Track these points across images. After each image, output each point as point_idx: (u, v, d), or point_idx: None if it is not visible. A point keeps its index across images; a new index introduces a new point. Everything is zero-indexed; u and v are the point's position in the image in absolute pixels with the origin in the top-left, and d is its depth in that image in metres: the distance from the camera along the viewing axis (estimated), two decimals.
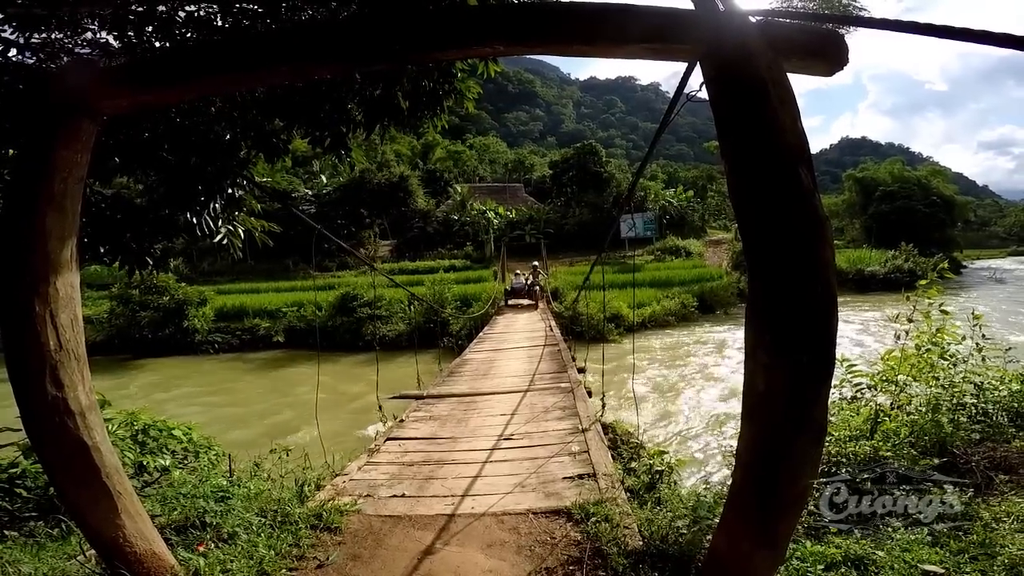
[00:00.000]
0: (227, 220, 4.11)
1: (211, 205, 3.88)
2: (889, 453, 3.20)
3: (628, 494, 3.31)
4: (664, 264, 28.09)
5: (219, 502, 3.16)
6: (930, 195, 35.40)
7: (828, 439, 3.39)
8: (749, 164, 1.64)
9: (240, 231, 4.24)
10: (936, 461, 3.19)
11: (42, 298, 1.91)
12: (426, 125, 4.07)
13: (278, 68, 2.11)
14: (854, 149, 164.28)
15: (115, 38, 3.30)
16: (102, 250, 3.79)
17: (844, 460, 3.19)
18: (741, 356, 1.76)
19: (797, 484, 1.69)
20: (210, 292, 22.24)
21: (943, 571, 2.18)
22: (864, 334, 15.44)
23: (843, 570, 2.24)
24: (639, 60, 1.90)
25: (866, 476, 3.05)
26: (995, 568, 2.19)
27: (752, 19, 1.62)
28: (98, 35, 3.34)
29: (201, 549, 2.66)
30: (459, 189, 38.85)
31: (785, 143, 1.58)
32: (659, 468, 3.57)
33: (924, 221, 33.59)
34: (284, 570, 2.60)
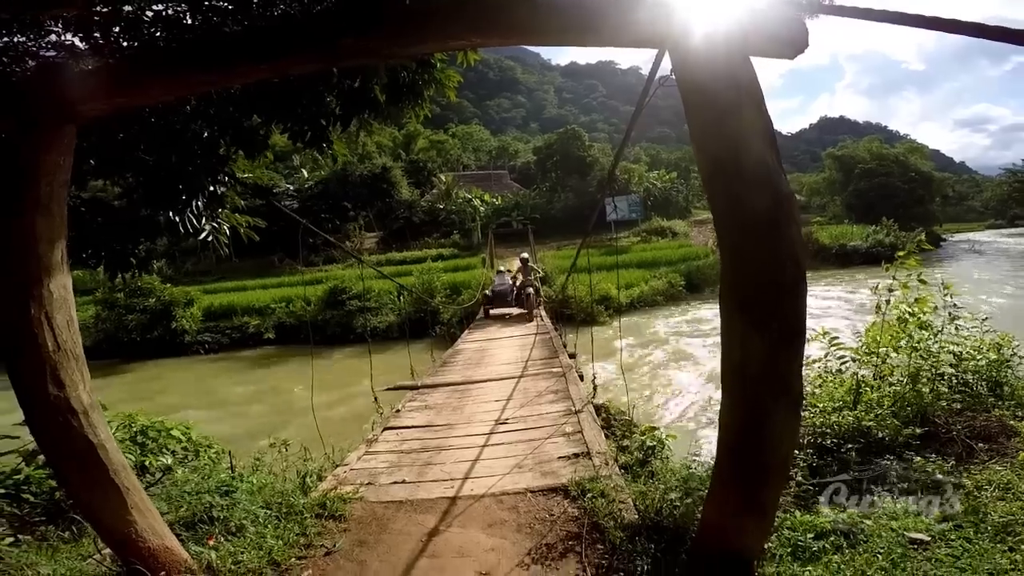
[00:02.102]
0: (211, 217, 4.09)
1: (193, 203, 3.86)
2: (872, 423, 3.31)
3: (623, 470, 3.42)
4: (650, 245, 28.29)
5: (224, 496, 3.20)
6: (908, 171, 36.15)
7: (813, 411, 3.51)
8: (714, 146, 1.73)
9: (225, 228, 4.22)
10: (918, 431, 3.30)
11: (37, 300, 1.94)
12: (408, 116, 4.07)
13: (256, 66, 2.14)
14: (833, 128, 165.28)
15: (80, 39, 3.24)
16: (84, 255, 3.76)
17: (829, 431, 3.31)
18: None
19: (777, 451, 1.78)
20: (196, 292, 21.94)
21: (928, 539, 2.28)
22: (845, 305, 15.76)
23: (832, 538, 2.32)
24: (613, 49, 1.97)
25: (850, 446, 3.17)
26: (981, 533, 2.26)
27: (716, 6, 1.67)
28: (63, 37, 3.28)
29: (211, 543, 2.71)
30: (443, 178, 38.58)
31: (749, 125, 1.66)
32: (651, 444, 3.68)
33: (904, 197, 34.34)
34: (293, 559, 2.67)
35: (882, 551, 2.20)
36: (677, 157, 46.29)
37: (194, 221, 3.89)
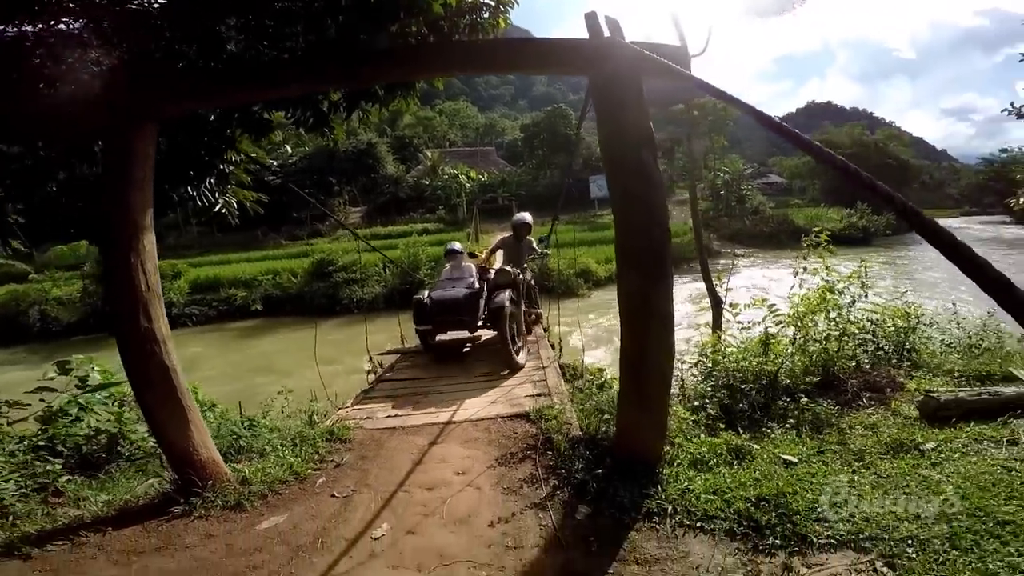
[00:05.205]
0: (222, 192, 4.62)
1: (207, 180, 4.38)
2: (773, 368, 4.06)
3: (574, 404, 4.18)
4: None
5: (248, 429, 3.90)
6: (885, 158, 37.43)
7: (729, 360, 4.26)
8: (612, 146, 2.53)
9: (234, 201, 4.76)
10: (816, 379, 4.04)
11: (135, 252, 2.62)
12: (400, 104, 4.62)
13: (290, 86, 2.84)
14: (820, 113, 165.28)
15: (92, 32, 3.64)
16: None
17: (739, 374, 4.06)
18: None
19: (656, 360, 2.56)
20: (182, 265, 22.14)
21: (796, 460, 2.94)
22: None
23: (725, 455, 2.99)
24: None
25: (752, 387, 3.93)
26: (840, 457, 2.93)
27: (624, 45, 2.36)
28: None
29: (242, 464, 3.38)
30: (430, 155, 38.69)
31: (634, 132, 2.45)
32: (599, 381, 4.45)
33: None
34: (310, 470, 3.36)
35: (760, 468, 2.82)
36: (660, 139, 46.76)
37: (208, 196, 4.43)
